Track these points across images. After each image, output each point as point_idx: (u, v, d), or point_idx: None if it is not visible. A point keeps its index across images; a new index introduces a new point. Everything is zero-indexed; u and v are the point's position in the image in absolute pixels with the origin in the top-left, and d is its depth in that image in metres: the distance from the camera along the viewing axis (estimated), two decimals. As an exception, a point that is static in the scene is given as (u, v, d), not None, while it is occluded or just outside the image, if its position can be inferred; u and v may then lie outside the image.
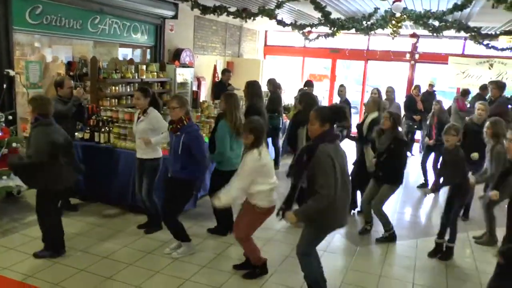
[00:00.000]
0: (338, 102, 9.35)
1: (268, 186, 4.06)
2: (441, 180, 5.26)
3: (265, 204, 4.10)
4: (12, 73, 6.51)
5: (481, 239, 5.64)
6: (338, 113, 3.71)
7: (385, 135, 5.39)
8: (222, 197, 4.04)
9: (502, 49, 10.75)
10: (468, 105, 9.74)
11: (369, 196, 5.50)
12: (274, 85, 9.12)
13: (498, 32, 9.68)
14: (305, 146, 3.77)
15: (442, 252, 5.12)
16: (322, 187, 3.41)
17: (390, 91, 9.46)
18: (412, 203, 7.35)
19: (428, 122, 8.07)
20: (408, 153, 10.52)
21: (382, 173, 5.33)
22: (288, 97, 11.47)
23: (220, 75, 12.12)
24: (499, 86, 7.83)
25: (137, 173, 5.37)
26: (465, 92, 10.17)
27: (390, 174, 5.29)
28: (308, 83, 9.84)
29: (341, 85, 9.52)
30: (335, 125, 3.76)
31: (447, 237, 5.09)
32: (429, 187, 7.24)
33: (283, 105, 9.49)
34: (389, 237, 5.46)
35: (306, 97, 6.18)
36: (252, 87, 6.43)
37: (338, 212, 3.62)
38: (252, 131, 4.02)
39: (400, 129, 5.50)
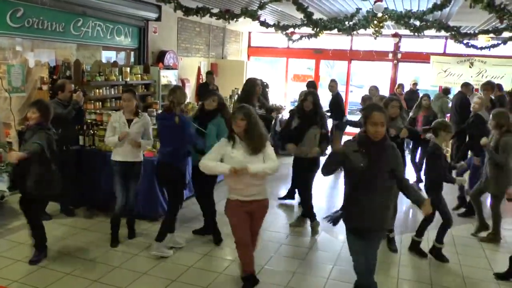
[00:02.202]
0: (330, 96, 9.45)
1: None
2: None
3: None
4: (-7, 77, 6.46)
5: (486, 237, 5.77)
6: None
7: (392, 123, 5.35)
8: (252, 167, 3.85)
9: (481, 48, 10.98)
10: (450, 104, 9.92)
11: None
12: (262, 85, 9.13)
13: (477, 31, 9.87)
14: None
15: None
16: None
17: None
18: (399, 199, 7.43)
19: (412, 115, 7.98)
20: None
21: None
22: (274, 97, 11.53)
23: (204, 77, 12.15)
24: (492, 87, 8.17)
25: (121, 178, 5.12)
26: (446, 91, 10.34)
27: None
28: (311, 84, 9.73)
29: (332, 80, 9.61)
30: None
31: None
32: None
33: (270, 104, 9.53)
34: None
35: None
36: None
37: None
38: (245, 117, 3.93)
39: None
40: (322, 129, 5.61)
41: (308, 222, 5.93)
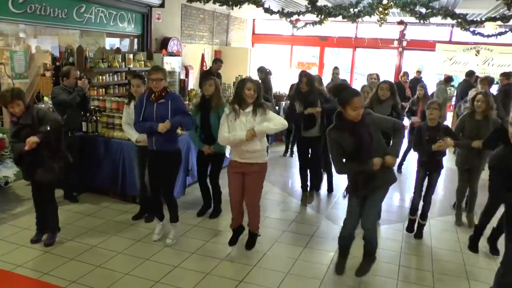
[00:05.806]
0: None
1: None
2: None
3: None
4: (-4, 63, 6.47)
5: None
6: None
7: (385, 104, 5.58)
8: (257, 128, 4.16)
9: (488, 36, 10.86)
10: (455, 92, 9.85)
11: None
12: (264, 72, 9.18)
13: (484, 19, 9.75)
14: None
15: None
16: None
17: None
18: (400, 187, 7.43)
19: (411, 105, 7.87)
20: None
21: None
22: (278, 84, 11.47)
23: (208, 64, 12.10)
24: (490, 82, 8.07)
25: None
26: (447, 79, 10.26)
27: None
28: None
29: (335, 67, 9.45)
30: None
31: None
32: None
33: (273, 92, 9.56)
34: None
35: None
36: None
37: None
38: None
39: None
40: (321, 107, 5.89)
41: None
